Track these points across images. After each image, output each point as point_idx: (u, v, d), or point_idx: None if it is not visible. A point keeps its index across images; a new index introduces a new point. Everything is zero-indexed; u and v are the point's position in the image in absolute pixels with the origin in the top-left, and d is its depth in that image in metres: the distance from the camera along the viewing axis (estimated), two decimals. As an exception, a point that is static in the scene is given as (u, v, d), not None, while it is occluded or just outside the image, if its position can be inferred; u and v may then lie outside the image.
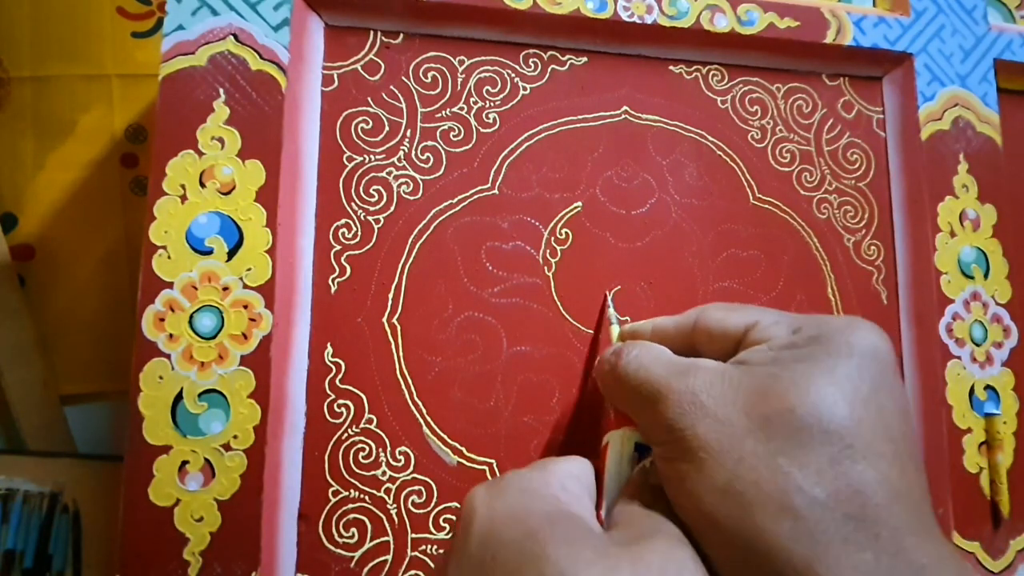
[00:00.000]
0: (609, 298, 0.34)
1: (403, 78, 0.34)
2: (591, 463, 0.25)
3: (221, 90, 0.31)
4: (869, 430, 0.20)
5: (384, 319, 0.32)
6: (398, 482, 0.31)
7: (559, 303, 0.34)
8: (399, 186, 0.33)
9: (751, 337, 0.24)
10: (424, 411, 0.32)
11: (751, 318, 0.25)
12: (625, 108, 0.36)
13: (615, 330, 0.31)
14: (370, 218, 0.33)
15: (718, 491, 0.20)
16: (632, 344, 0.27)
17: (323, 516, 0.30)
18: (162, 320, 0.29)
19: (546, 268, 0.34)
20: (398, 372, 0.32)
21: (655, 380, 0.24)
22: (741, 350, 0.24)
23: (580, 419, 0.33)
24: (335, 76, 0.34)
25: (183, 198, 0.30)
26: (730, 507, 0.20)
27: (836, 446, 0.20)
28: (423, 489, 0.31)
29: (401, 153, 0.34)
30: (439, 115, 0.34)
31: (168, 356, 0.29)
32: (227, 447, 0.29)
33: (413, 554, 0.31)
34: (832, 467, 0.20)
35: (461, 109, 0.35)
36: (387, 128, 0.34)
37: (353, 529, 0.30)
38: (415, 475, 0.31)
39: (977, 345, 0.37)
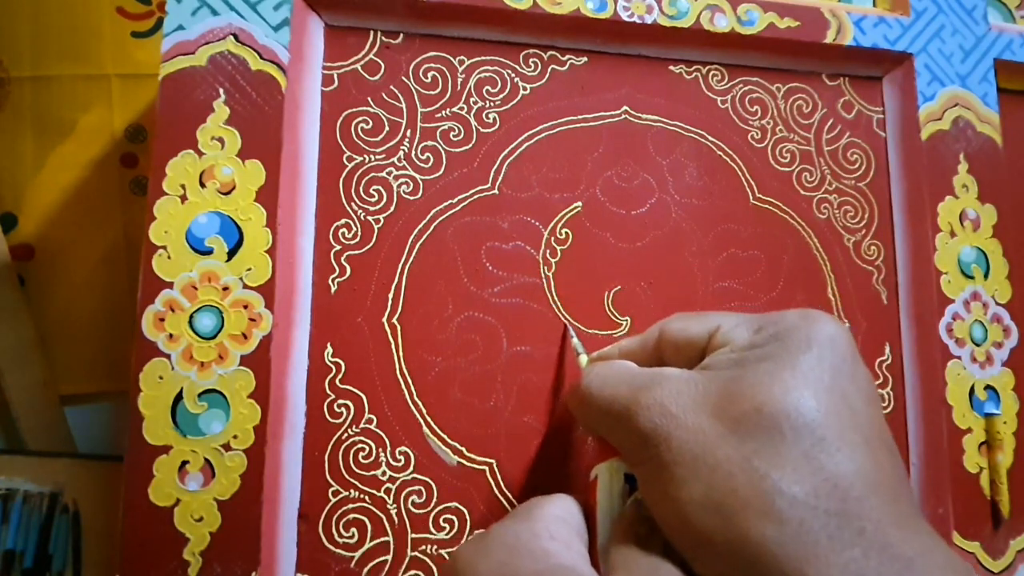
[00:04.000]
0: (570, 331, 0.33)
1: (403, 78, 0.34)
2: (577, 501, 0.25)
3: (221, 90, 0.31)
4: (837, 420, 0.20)
5: (384, 319, 0.32)
6: (398, 482, 0.31)
7: (559, 303, 0.34)
8: (399, 186, 0.33)
9: (714, 342, 0.24)
10: (424, 411, 0.32)
11: (713, 324, 0.25)
12: (625, 108, 0.36)
13: (583, 359, 0.31)
14: (370, 218, 0.33)
15: (699, 504, 0.20)
16: (593, 364, 0.27)
17: (323, 516, 0.30)
18: (162, 320, 0.29)
19: (546, 268, 0.34)
20: (398, 372, 0.32)
21: (621, 396, 0.23)
22: (706, 357, 0.24)
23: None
24: (335, 76, 0.34)
25: (183, 198, 0.30)
26: (713, 519, 0.19)
27: (808, 440, 0.20)
28: (423, 489, 0.31)
29: (401, 153, 0.34)
30: (439, 115, 0.34)
31: (168, 356, 0.29)
32: (227, 447, 0.29)
33: (413, 554, 0.31)
34: (807, 463, 0.19)
35: (461, 109, 0.35)
36: (387, 128, 0.34)
37: (353, 529, 0.30)
38: (415, 475, 0.31)
39: (977, 345, 0.37)
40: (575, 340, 0.32)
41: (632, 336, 0.29)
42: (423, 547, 0.31)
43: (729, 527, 0.19)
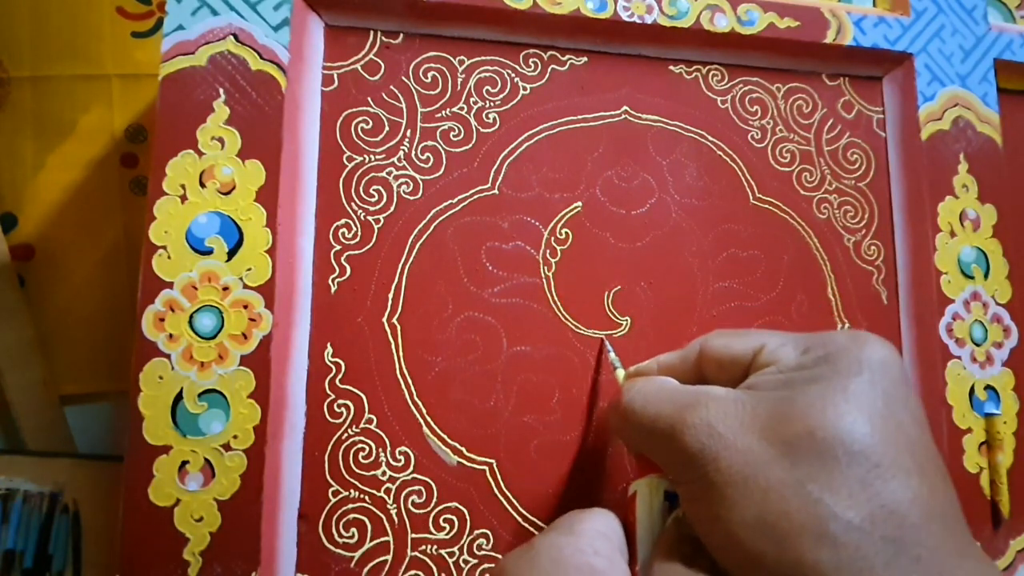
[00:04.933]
0: (607, 344, 0.33)
1: (403, 78, 0.34)
2: (617, 516, 0.25)
3: (221, 90, 0.31)
4: (892, 446, 0.20)
5: (384, 319, 0.32)
6: (398, 482, 0.31)
7: (559, 303, 0.34)
8: (399, 186, 0.33)
9: (759, 361, 0.24)
10: (424, 411, 0.32)
11: (757, 342, 0.24)
12: (625, 108, 0.36)
13: (620, 374, 0.31)
14: (370, 218, 0.33)
15: (750, 526, 0.20)
16: (634, 380, 0.26)
17: (323, 516, 0.30)
18: (162, 320, 0.29)
19: (546, 268, 0.34)
20: (398, 372, 0.32)
21: (666, 415, 0.23)
22: (750, 375, 0.24)
23: (580, 419, 0.33)
24: (335, 76, 0.34)
25: (183, 198, 0.30)
26: (765, 542, 0.19)
27: (863, 467, 0.19)
28: (423, 489, 0.31)
29: (401, 153, 0.34)
30: (439, 115, 0.34)
31: (168, 356, 0.29)
32: (227, 447, 0.29)
33: (413, 554, 0.31)
34: (863, 489, 0.19)
35: (461, 109, 0.35)
36: (387, 128, 0.34)
37: (353, 529, 0.30)
38: (415, 475, 0.31)
39: (977, 345, 0.37)
40: (612, 355, 0.32)
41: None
42: (423, 547, 0.31)
43: (782, 550, 0.19)
